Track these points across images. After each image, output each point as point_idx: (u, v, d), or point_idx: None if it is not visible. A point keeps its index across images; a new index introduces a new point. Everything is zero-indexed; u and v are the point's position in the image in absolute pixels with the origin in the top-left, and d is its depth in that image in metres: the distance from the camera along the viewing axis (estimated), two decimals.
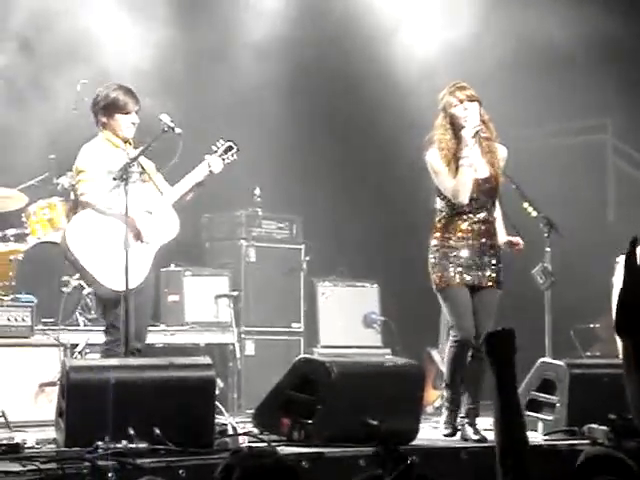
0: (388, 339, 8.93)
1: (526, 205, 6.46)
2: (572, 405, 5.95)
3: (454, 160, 5.77)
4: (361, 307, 8.95)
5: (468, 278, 5.79)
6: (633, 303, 2.27)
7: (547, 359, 6.34)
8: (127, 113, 6.00)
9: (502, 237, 5.98)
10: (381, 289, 9.04)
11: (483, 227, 5.85)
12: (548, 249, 6.49)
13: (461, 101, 5.80)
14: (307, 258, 8.81)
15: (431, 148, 5.84)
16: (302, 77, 8.92)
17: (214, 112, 8.35)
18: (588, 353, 8.37)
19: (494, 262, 5.87)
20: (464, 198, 5.75)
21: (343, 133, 9.27)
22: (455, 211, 5.82)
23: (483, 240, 5.84)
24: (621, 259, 7.36)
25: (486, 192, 5.84)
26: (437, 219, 5.90)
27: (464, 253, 5.80)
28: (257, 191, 8.69)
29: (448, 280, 5.79)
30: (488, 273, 5.85)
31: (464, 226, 5.82)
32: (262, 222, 8.75)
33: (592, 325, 8.55)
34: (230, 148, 6.27)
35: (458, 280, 5.78)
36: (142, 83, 6.95)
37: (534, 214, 6.47)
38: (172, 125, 6.02)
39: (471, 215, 5.82)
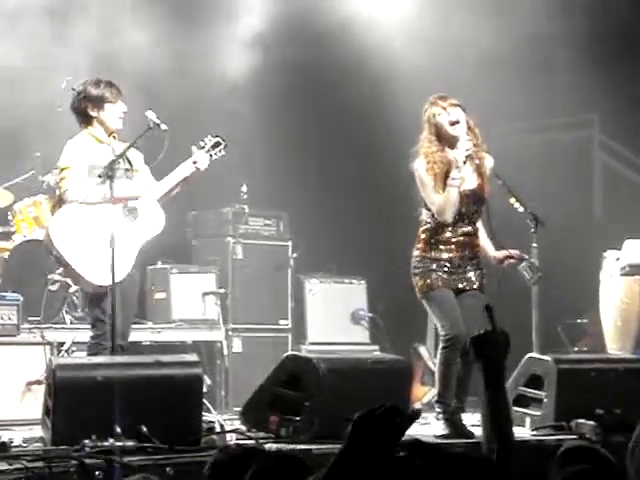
0: (376, 336, 8.93)
1: (513, 201, 6.46)
2: (559, 400, 5.95)
3: (441, 174, 5.75)
4: (349, 304, 8.94)
5: (450, 283, 5.81)
6: None
7: (534, 354, 6.34)
8: (117, 102, 6.02)
9: (492, 252, 5.98)
10: (369, 286, 9.03)
11: (467, 239, 5.86)
12: (535, 245, 6.49)
13: (444, 108, 5.79)
14: (294, 255, 8.80)
15: (418, 158, 5.82)
16: (291, 74, 8.91)
17: (201, 108, 8.33)
18: (576, 348, 8.38)
19: (476, 269, 5.88)
20: (448, 217, 5.75)
21: (330, 130, 9.25)
22: (440, 223, 5.82)
23: (465, 252, 5.85)
24: (609, 254, 7.39)
25: (472, 204, 5.84)
26: (421, 229, 5.90)
27: (446, 263, 5.81)
28: (244, 188, 8.67)
29: (432, 284, 5.79)
30: (471, 277, 5.85)
31: (447, 237, 5.82)
32: (249, 219, 8.73)
33: (579, 320, 8.56)
34: (218, 144, 6.24)
35: (441, 283, 5.79)
36: (127, 78, 6.93)
37: (521, 210, 6.47)
38: (158, 121, 6.00)
39: (455, 228, 5.82)
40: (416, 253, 5.88)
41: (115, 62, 7.90)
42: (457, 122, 5.76)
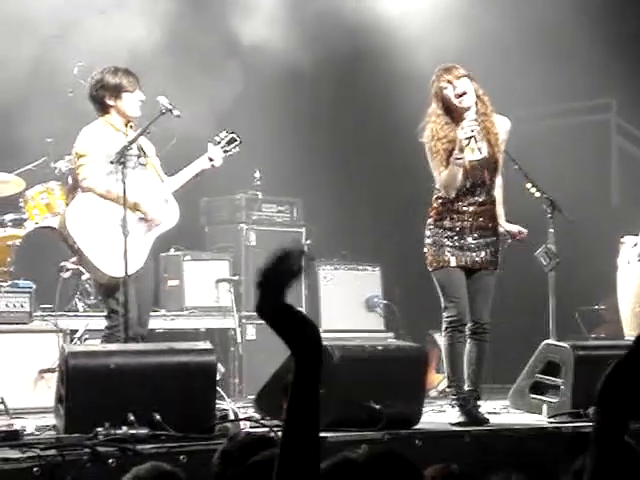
0: (390, 322, 8.88)
1: (529, 186, 6.40)
2: (577, 387, 5.89)
3: (445, 150, 5.66)
4: (363, 290, 8.89)
5: (463, 260, 5.71)
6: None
7: (551, 341, 6.29)
8: (135, 91, 5.98)
9: (503, 224, 5.92)
10: (383, 272, 8.97)
11: (480, 208, 5.75)
12: (552, 230, 6.42)
13: (449, 82, 5.71)
14: (308, 241, 8.75)
15: (426, 131, 5.75)
16: (303, 60, 8.84)
17: (215, 95, 8.28)
18: (593, 335, 8.31)
19: (491, 243, 5.78)
20: (451, 194, 5.67)
21: (344, 115, 9.20)
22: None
23: (480, 221, 5.74)
24: (626, 239, 7.31)
25: (483, 173, 5.73)
26: (434, 197, 5.81)
27: (459, 234, 5.71)
28: (257, 174, 8.62)
29: (442, 261, 5.70)
30: (483, 254, 5.75)
31: (460, 207, 5.72)
32: (262, 205, 8.69)
33: (597, 307, 8.49)
34: (233, 140, 6.23)
35: (453, 262, 5.70)
36: (142, 67, 6.88)
37: (537, 195, 6.41)
38: (170, 107, 5.97)
39: (468, 196, 5.72)
40: (429, 221, 5.79)
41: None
42: (464, 94, 5.68)
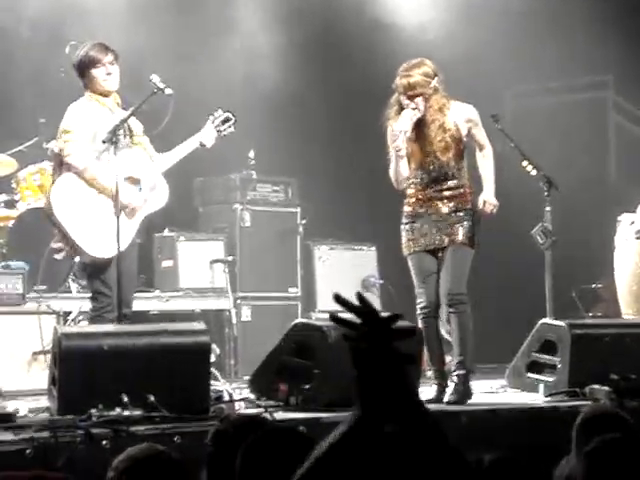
0: (387, 302, 8.84)
1: (525, 163, 6.35)
2: (573, 366, 5.88)
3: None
4: (359, 270, 8.85)
5: (430, 243, 5.82)
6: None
7: (548, 320, 6.26)
8: (99, 66, 5.87)
9: (482, 195, 5.92)
10: (379, 252, 8.93)
11: (448, 193, 5.83)
12: (548, 208, 6.38)
13: (402, 92, 5.72)
14: (303, 221, 8.70)
15: (389, 121, 5.84)
16: (298, 38, 8.78)
17: (208, 74, 8.21)
18: (590, 313, 8.28)
19: (461, 221, 5.82)
20: (398, 187, 5.83)
21: (339, 94, 9.13)
22: (418, 181, 5.85)
23: (450, 206, 5.82)
24: (623, 217, 7.26)
25: (437, 166, 5.80)
26: (407, 184, 5.91)
27: (424, 220, 5.82)
28: (251, 154, 8.55)
29: (412, 246, 5.85)
30: (454, 231, 5.81)
31: (422, 195, 5.84)
32: (257, 185, 8.63)
33: (594, 285, 8.46)
34: (227, 119, 6.16)
35: (420, 247, 5.83)
36: (136, 45, 6.82)
37: (533, 172, 6.37)
38: (162, 86, 5.91)
39: (428, 186, 5.82)
40: (404, 208, 5.92)
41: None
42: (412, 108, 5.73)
